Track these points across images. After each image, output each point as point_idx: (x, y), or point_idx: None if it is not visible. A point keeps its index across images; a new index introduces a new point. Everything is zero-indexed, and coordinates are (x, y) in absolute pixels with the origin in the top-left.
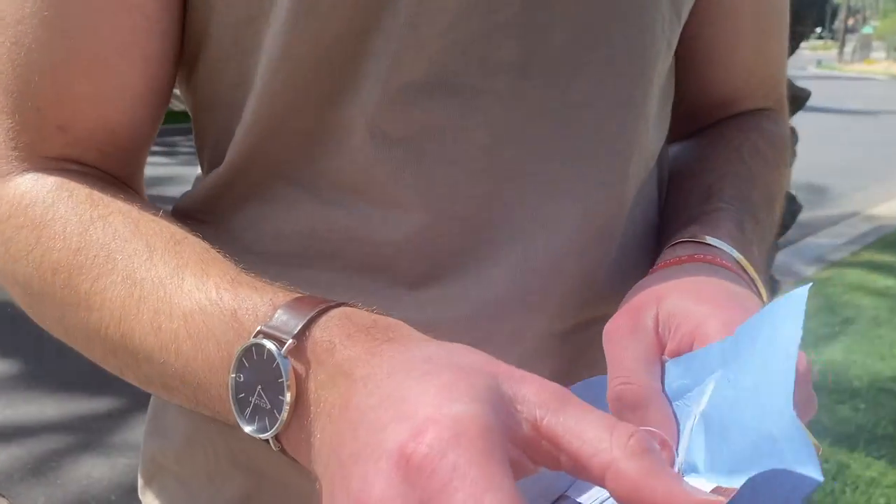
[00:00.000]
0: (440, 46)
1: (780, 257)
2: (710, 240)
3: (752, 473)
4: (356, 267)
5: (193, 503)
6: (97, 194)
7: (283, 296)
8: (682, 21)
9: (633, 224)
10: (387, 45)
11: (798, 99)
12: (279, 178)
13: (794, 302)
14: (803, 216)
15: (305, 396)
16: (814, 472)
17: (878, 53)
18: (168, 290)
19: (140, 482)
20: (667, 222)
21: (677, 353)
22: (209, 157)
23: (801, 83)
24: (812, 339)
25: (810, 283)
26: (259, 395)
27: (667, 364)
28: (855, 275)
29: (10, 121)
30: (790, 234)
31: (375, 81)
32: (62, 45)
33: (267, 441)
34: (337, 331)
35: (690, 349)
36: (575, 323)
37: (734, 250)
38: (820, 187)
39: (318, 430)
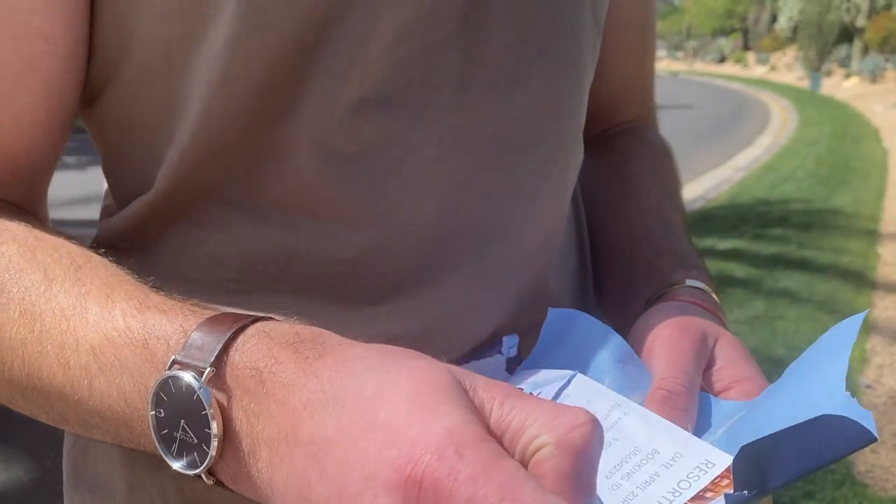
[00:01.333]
0: (385, 63)
1: None
2: (700, 285)
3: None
4: (305, 288)
5: None
6: None
7: (193, 318)
8: (600, 36)
9: (567, 228)
10: (333, 63)
11: None
12: (214, 201)
13: (845, 328)
14: None
15: (234, 427)
16: (871, 427)
17: (660, 52)
18: (71, 321)
19: None
20: (633, 247)
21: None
22: (127, 180)
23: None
24: None
25: (865, 312)
26: (184, 429)
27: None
28: None
29: None
30: None
31: (321, 99)
32: None
33: (200, 476)
34: (259, 353)
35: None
36: (527, 326)
37: (716, 298)
38: None
39: (263, 464)
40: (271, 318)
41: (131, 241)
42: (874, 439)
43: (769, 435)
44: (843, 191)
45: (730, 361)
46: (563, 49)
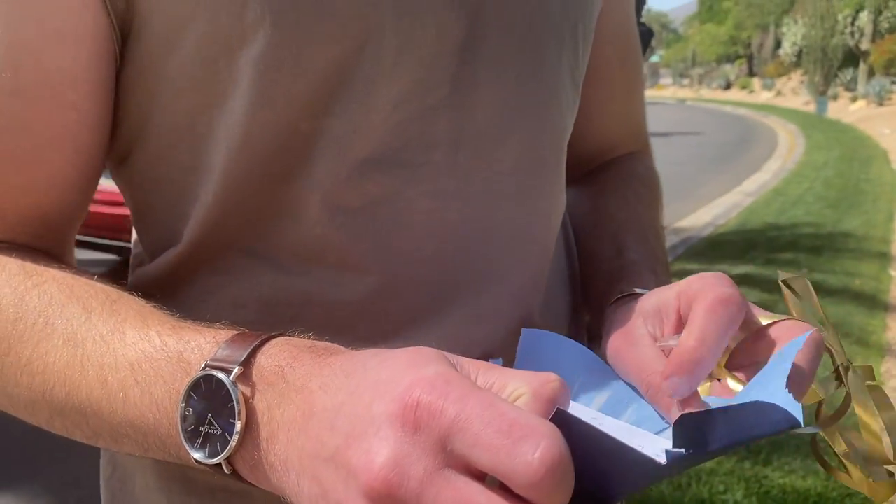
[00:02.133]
0: (386, 127)
1: None
2: (638, 291)
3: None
4: (316, 330)
5: None
6: (30, 265)
7: (224, 333)
8: (580, 93)
9: (555, 265)
10: (340, 129)
11: None
12: (236, 251)
13: (792, 345)
14: None
15: (256, 416)
16: (797, 414)
17: (666, 80)
18: (111, 345)
19: None
20: (587, 270)
21: (679, 328)
22: (155, 233)
23: None
24: None
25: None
26: (209, 422)
27: None
28: None
29: None
30: None
31: (329, 160)
32: (8, 143)
33: (219, 466)
34: (282, 355)
35: (683, 319)
36: (511, 356)
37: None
38: None
39: (281, 447)
40: (292, 334)
41: (161, 288)
42: (798, 424)
43: (708, 409)
44: (854, 214)
45: (665, 303)
46: (543, 109)
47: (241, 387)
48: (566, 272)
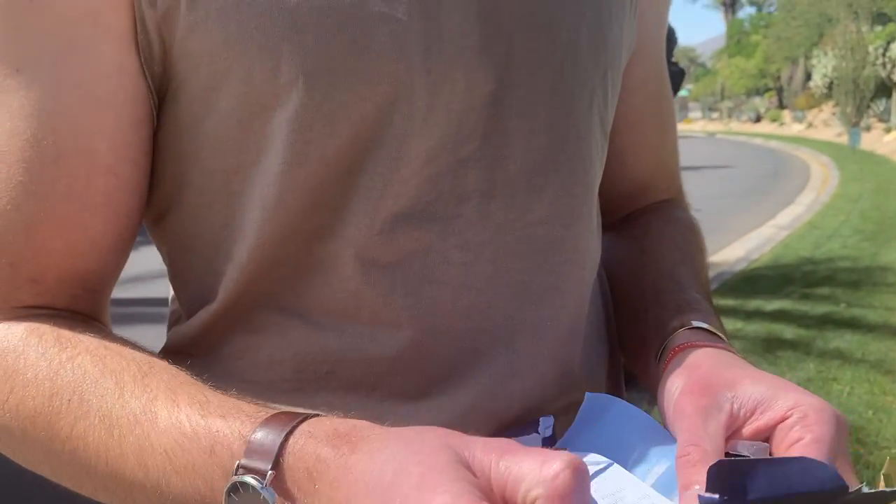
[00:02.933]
0: (417, 181)
1: None
2: (710, 328)
3: None
4: (351, 386)
5: None
6: (65, 335)
7: (249, 424)
8: (608, 140)
9: (592, 316)
10: (372, 184)
11: None
12: (271, 309)
13: None
14: None
15: None
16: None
17: (695, 113)
18: (144, 426)
19: None
20: (645, 307)
21: (757, 434)
22: (192, 291)
23: None
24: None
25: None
26: None
27: None
28: None
29: None
30: None
31: (362, 216)
32: (37, 207)
33: None
34: (306, 454)
35: (781, 436)
36: (554, 410)
37: (722, 334)
38: None
39: None
40: (315, 416)
41: (197, 346)
42: (844, 485)
43: (748, 458)
44: (892, 247)
45: (768, 401)
46: (574, 159)
47: (276, 491)
48: (602, 320)
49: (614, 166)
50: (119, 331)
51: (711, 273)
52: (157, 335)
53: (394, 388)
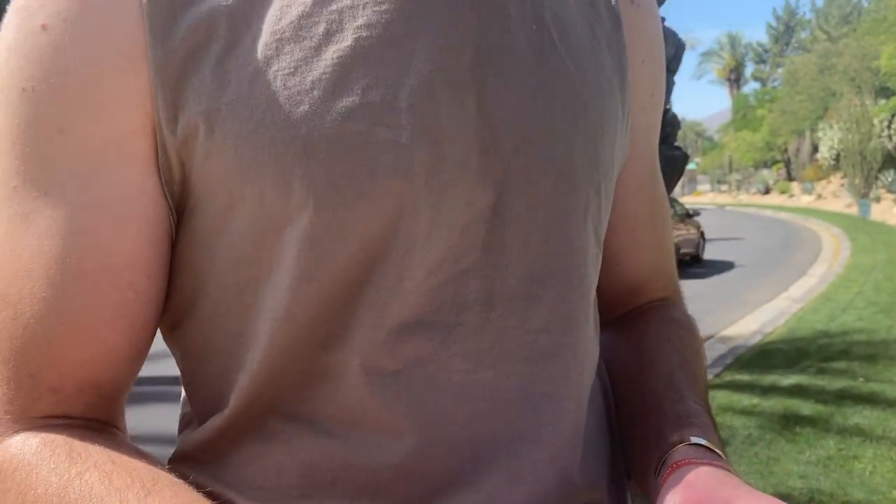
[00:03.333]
0: (421, 292)
1: None
2: (709, 445)
3: None
4: (356, 493)
5: None
6: (77, 448)
7: None
8: (602, 247)
9: (593, 418)
10: (377, 296)
11: None
12: (279, 416)
13: None
14: None
15: None
16: None
17: (704, 186)
18: None
19: None
20: (639, 410)
21: None
22: (204, 397)
23: None
24: None
25: None
26: None
27: None
28: (722, 396)
29: (5, 387)
30: None
31: (368, 327)
32: (59, 321)
33: None
34: None
35: None
36: None
37: (723, 454)
38: None
39: None
40: None
41: (209, 452)
42: None
43: None
44: None
45: None
46: (571, 268)
47: None
48: (604, 420)
49: (611, 267)
50: (131, 411)
51: (726, 347)
52: (168, 414)
53: (397, 495)
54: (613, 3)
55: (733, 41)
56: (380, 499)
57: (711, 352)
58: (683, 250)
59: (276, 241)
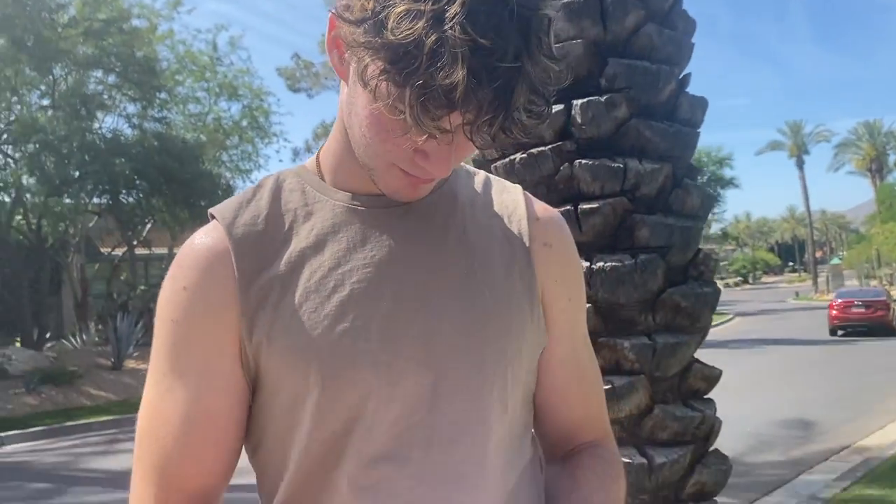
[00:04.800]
0: (385, 439)
1: (774, 498)
2: None
3: None
4: None
5: None
6: None
7: None
8: (508, 410)
9: None
10: (358, 441)
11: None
12: None
13: None
14: (797, 452)
15: None
16: None
17: (851, 281)
18: None
19: None
20: None
21: None
22: (265, 496)
23: (781, 314)
24: None
25: None
26: None
27: None
28: None
29: (155, 491)
30: (784, 471)
31: (352, 458)
32: (183, 451)
33: None
34: None
35: None
36: None
37: None
38: (810, 422)
39: None
40: None
41: None
42: None
43: None
44: None
45: None
46: (480, 425)
47: None
48: None
49: (548, 418)
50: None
51: (859, 459)
52: None
53: None
54: (528, 245)
55: (871, 130)
56: None
57: (844, 464)
58: None
59: (301, 406)
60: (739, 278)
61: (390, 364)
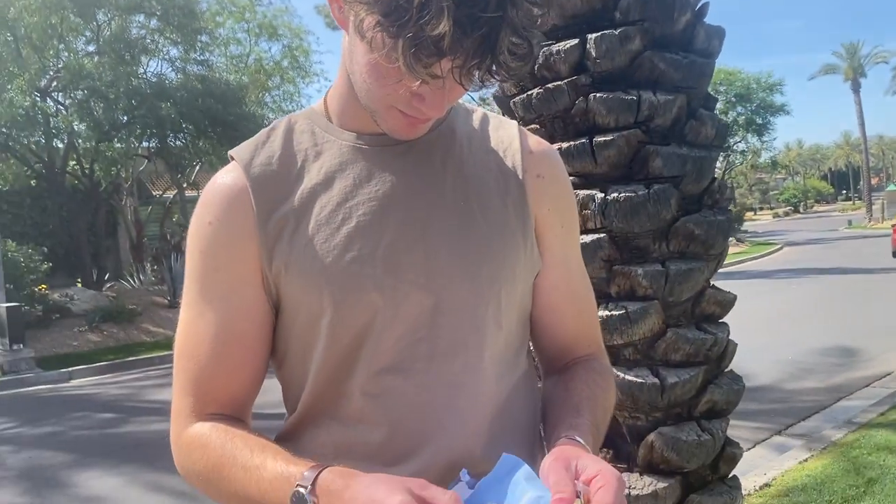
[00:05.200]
0: (391, 352)
1: (810, 423)
2: (579, 439)
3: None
4: (359, 458)
5: None
6: (228, 429)
7: (304, 468)
8: (502, 328)
9: (522, 420)
10: (367, 354)
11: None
12: (322, 416)
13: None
14: (837, 379)
15: None
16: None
17: None
18: (261, 471)
19: None
20: (554, 424)
21: (585, 481)
22: (289, 406)
23: (831, 244)
24: (838, 500)
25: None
26: None
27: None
28: (882, 436)
29: (192, 401)
30: (822, 398)
31: (363, 370)
32: (216, 366)
33: None
34: (329, 477)
35: (590, 481)
36: (474, 468)
37: (588, 446)
38: (853, 349)
39: None
40: (333, 466)
41: (289, 434)
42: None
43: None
44: None
45: (586, 467)
46: (476, 340)
47: (310, 497)
48: (534, 423)
49: (546, 334)
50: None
51: None
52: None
53: (379, 458)
54: (521, 177)
55: None
56: (370, 460)
57: (885, 390)
58: None
59: (317, 325)
60: (790, 208)
61: (395, 287)
